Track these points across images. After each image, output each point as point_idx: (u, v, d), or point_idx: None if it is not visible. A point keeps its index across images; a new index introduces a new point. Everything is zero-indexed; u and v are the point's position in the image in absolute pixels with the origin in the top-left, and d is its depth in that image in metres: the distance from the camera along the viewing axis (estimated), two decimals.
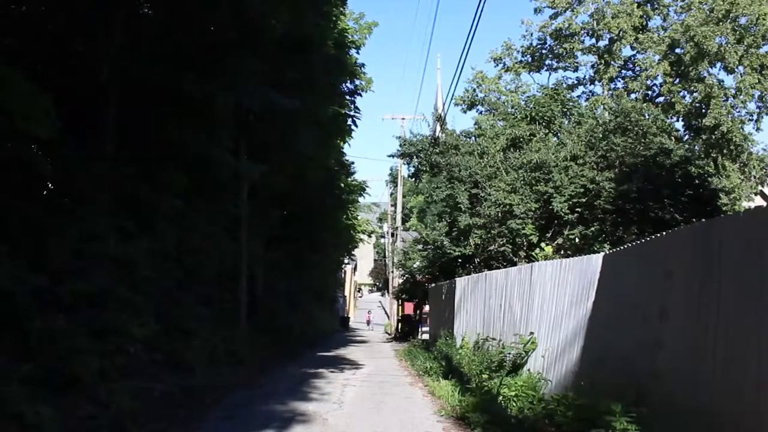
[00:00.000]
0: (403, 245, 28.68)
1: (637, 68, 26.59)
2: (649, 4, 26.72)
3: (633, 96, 24.69)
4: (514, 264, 13.60)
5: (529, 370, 8.97)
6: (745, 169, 24.44)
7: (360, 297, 74.03)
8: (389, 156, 39.01)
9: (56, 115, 7.55)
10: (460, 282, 15.26)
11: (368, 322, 44.25)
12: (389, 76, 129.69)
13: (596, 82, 28.02)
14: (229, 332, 12.99)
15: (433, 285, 21.13)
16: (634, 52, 27.07)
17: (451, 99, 22.55)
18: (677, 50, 24.90)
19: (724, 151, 23.87)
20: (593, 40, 27.51)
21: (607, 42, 27.00)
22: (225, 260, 14.02)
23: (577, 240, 13.92)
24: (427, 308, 25.31)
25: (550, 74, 36.62)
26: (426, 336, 23.31)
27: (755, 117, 24.79)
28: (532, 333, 9.10)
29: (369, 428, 7.06)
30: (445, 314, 17.01)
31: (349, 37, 21.06)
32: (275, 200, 19.22)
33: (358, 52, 22.25)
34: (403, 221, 42.51)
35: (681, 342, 4.92)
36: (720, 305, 4.35)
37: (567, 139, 15.98)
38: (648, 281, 5.80)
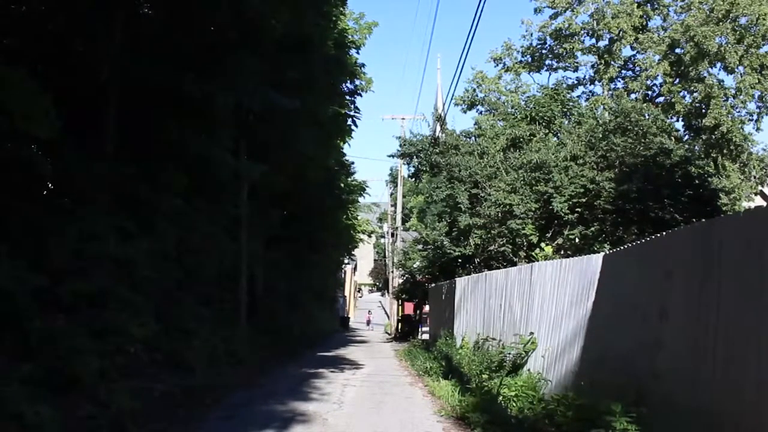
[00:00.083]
0: (403, 245, 28.68)
1: (637, 68, 26.59)
2: (649, 4, 26.71)
3: (633, 96, 24.70)
4: (514, 264, 13.60)
5: (529, 370, 8.97)
6: (745, 169, 24.44)
7: (360, 297, 74.04)
8: (389, 156, 39.07)
9: (56, 115, 7.55)
10: (460, 282, 15.26)
11: (368, 322, 44.26)
12: (389, 76, 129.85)
13: (596, 82, 28.05)
14: (229, 332, 12.99)
15: (433, 285, 21.13)
16: (634, 52, 27.09)
17: (451, 99, 22.59)
18: (677, 50, 24.90)
19: (724, 151, 23.87)
20: (593, 40, 27.52)
21: (607, 42, 27.01)
22: (225, 260, 14.03)
23: (577, 240, 13.92)
24: (427, 308, 25.31)
25: (550, 74, 36.69)
26: (426, 336, 23.31)
27: (755, 117, 24.81)
28: (532, 333, 9.10)
29: (369, 428, 7.06)
30: (445, 314, 17.01)
31: (349, 37, 21.06)
32: (275, 200, 19.22)
33: (358, 52, 22.28)
34: (403, 221, 42.51)
35: (681, 342, 4.92)
36: (720, 305, 4.34)
37: (567, 139, 15.97)
38: (648, 281, 5.80)
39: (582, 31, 27.14)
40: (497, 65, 28.47)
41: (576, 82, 28.51)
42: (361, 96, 23.44)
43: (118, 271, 9.01)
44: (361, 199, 33.31)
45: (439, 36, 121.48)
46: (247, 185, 15.54)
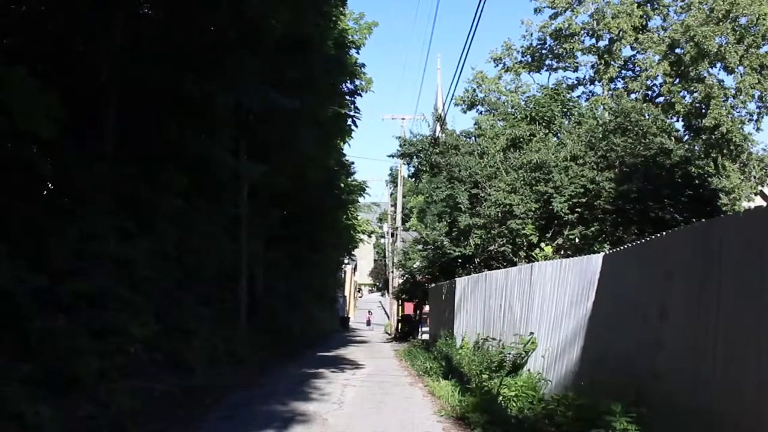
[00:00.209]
0: (403, 245, 28.68)
1: (637, 68, 26.59)
2: (649, 4, 26.71)
3: (633, 96, 24.70)
4: (514, 264, 13.60)
5: (529, 370, 8.97)
6: (745, 169, 24.44)
7: (360, 297, 74.04)
8: (389, 156, 39.02)
9: (61, 113, 7.51)
10: (460, 282, 15.26)
11: (368, 322, 44.27)
12: (389, 76, 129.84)
13: (596, 82, 28.06)
14: (229, 332, 12.99)
15: (433, 285, 21.12)
16: (634, 52, 27.10)
17: (451, 99, 22.59)
18: (677, 50, 24.90)
19: (724, 151, 23.87)
20: (593, 40, 27.53)
21: (607, 42, 27.02)
22: (225, 260, 14.03)
23: (577, 240, 13.91)
24: (427, 308, 25.30)
25: (550, 74, 36.64)
26: (426, 336, 23.31)
27: (755, 117, 24.83)
28: (532, 333, 9.10)
29: (369, 428, 7.06)
30: (445, 314, 17.01)
31: (349, 37, 21.06)
32: (275, 200, 19.22)
33: (358, 52, 22.27)
34: (403, 221, 42.50)
35: (681, 342, 4.92)
36: (720, 305, 4.34)
37: (567, 139, 15.97)
38: (648, 281, 5.80)
39: (582, 31, 27.14)
40: (497, 65, 28.53)
41: (576, 82, 28.56)
42: (361, 96, 23.47)
43: (118, 271, 9.01)
44: (361, 199, 33.33)
45: (439, 36, 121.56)
46: (247, 185, 15.54)
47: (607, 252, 7.56)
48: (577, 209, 13.79)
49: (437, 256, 18.20)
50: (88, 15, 10.30)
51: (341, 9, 18.78)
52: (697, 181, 13.12)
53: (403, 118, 36.46)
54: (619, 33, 25.71)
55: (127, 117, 10.81)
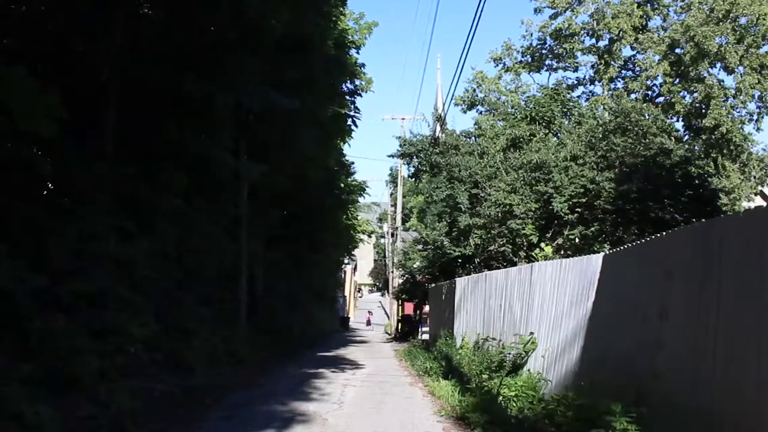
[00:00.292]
0: (403, 245, 28.68)
1: (637, 68, 26.59)
2: (649, 4, 26.71)
3: (633, 96, 24.69)
4: (514, 264, 13.60)
5: (529, 370, 8.97)
6: (745, 169, 24.44)
7: (360, 297, 74.04)
8: (389, 156, 38.98)
9: (61, 112, 7.50)
10: (460, 282, 15.25)
11: (368, 322, 44.26)
12: (389, 76, 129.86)
13: (596, 82, 28.05)
14: (229, 332, 12.99)
15: (433, 285, 21.12)
16: (634, 52, 27.09)
17: (451, 99, 22.59)
18: (677, 50, 24.89)
19: (724, 151, 23.87)
20: (593, 40, 27.52)
21: (607, 42, 27.01)
22: (225, 260, 14.03)
23: (577, 240, 13.91)
24: (427, 308, 25.30)
25: (550, 74, 36.66)
26: (426, 336, 23.31)
27: (755, 117, 24.82)
28: (532, 333, 9.10)
29: (369, 428, 7.06)
30: (445, 314, 17.01)
31: (349, 37, 21.07)
32: (275, 200, 19.22)
33: (358, 52, 22.28)
34: (403, 221, 42.50)
35: (681, 342, 4.92)
36: (720, 305, 4.34)
37: (567, 139, 15.97)
38: (648, 281, 5.80)
39: (582, 31, 27.14)
40: (497, 65, 28.52)
41: (576, 82, 28.56)
42: (361, 96, 23.45)
43: (118, 271, 9.01)
44: (361, 199, 33.35)
45: (439, 36, 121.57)
46: (247, 185, 15.54)
47: (607, 252, 7.56)
48: (577, 209, 13.79)
49: (437, 256, 18.20)
50: (88, 15, 10.30)
51: (341, 9, 18.79)
52: (697, 181, 13.12)
53: (403, 118, 36.49)
54: (619, 33, 25.70)
55: (127, 117, 10.81)
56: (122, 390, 7.19)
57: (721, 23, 23.22)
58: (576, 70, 28.75)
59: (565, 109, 18.77)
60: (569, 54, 27.78)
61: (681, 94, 25.28)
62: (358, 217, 39.41)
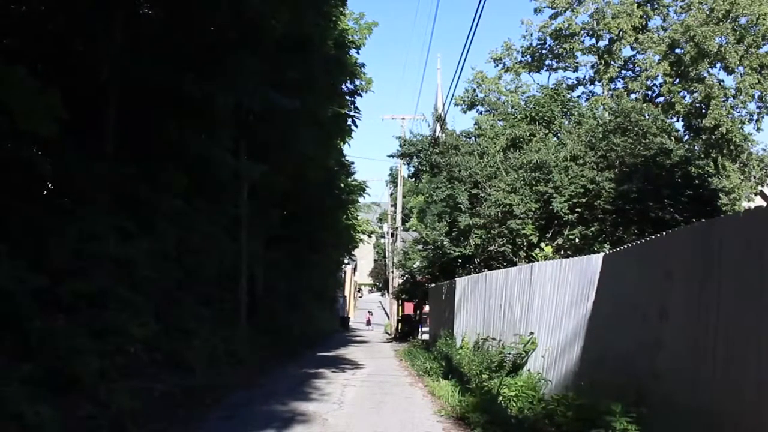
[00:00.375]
0: (403, 245, 28.69)
1: (637, 68, 26.59)
2: (649, 4, 26.71)
3: (633, 96, 24.70)
4: (514, 264, 13.60)
5: (529, 370, 8.97)
6: (745, 169, 24.44)
7: (360, 297, 74.03)
8: (389, 156, 38.98)
9: (61, 112, 7.50)
10: (460, 282, 15.26)
11: (368, 322, 44.25)
12: (389, 76, 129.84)
13: (596, 82, 28.06)
14: (229, 332, 12.99)
15: (433, 285, 21.13)
16: (634, 52, 27.10)
17: (451, 99, 22.60)
18: (677, 50, 24.90)
19: (724, 151, 23.87)
20: (593, 40, 27.53)
21: (607, 42, 27.01)
22: (225, 260, 14.02)
23: (577, 240, 13.91)
24: (427, 308, 25.31)
25: (550, 74, 36.67)
26: (426, 336, 23.31)
27: (755, 117, 24.83)
28: (532, 333, 9.10)
29: (369, 428, 7.06)
30: (445, 314, 17.01)
31: (349, 37, 21.06)
32: (275, 200, 19.22)
33: (358, 52, 22.28)
34: (403, 221, 42.50)
35: (681, 342, 4.92)
36: (720, 305, 4.34)
37: (567, 139, 15.97)
38: (648, 281, 5.80)
39: (582, 31, 27.14)
40: (497, 65, 28.53)
41: (576, 82, 28.57)
42: (361, 96, 23.46)
43: (118, 271, 9.01)
44: (361, 199, 33.35)
45: (439, 36, 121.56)
46: (247, 185, 15.54)
47: (607, 252, 7.56)
48: (577, 209, 13.79)
49: (437, 256, 18.20)
50: (88, 15, 10.30)
51: (341, 9, 18.78)
52: (697, 181, 13.12)
53: (403, 118, 36.49)
54: (619, 33, 25.71)
55: (127, 117, 10.81)
56: (122, 390, 7.19)
57: (721, 23, 23.22)
58: (576, 70, 28.81)
59: (565, 109, 18.77)
60: (569, 54, 27.79)
61: (681, 94, 25.29)
62: (358, 217, 39.40)
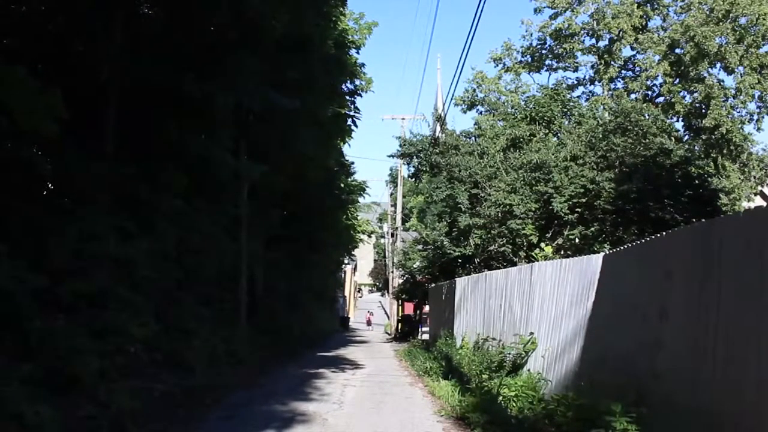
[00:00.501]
0: (403, 245, 28.68)
1: (637, 68, 26.60)
2: (649, 5, 26.72)
3: (633, 96, 24.71)
4: (514, 264, 13.60)
5: (529, 370, 8.97)
6: (745, 169, 24.45)
7: (360, 297, 74.04)
8: (389, 156, 38.96)
9: (62, 112, 7.50)
10: (460, 282, 15.26)
11: (368, 323, 44.25)
12: (389, 76, 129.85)
13: (596, 83, 28.07)
14: (229, 332, 12.99)
15: (433, 285, 21.13)
16: (634, 52, 27.11)
17: (451, 99, 22.63)
18: (677, 50, 24.91)
19: (724, 151, 23.88)
20: (593, 41, 27.54)
21: (607, 42, 27.03)
22: (225, 260, 14.02)
23: (577, 240, 13.92)
24: (427, 308, 25.31)
25: (550, 74, 36.74)
26: (426, 336, 23.31)
27: (755, 117, 24.84)
28: (532, 333, 9.10)
29: (369, 428, 7.06)
30: (445, 314, 17.01)
31: (349, 37, 21.07)
32: (275, 200, 19.22)
33: (358, 52, 22.30)
34: (403, 221, 42.51)
35: (681, 342, 4.91)
36: (720, 305, 4.34)
37: (567, 139, 15.98)
38: (648, 281, 5.80)
39: (582, 31, 27.15)
40: (497, 65, 28.55)
41: (576, 82, 28.59)
42: (361, 96, 23.47)
43: (118, 271, 9.01)
44: (361, 199, 33.35)
45: (439, 36, 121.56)
46: (247, 185, 15.54)
47: (607, 252, 7.56)
48: (577, 209, 13.79)
49: (437, 256, 18.20)
50: (88, 15, 10.30)
51: (341, 9, 18.79)
52: (697, 181, 13.13)
53: (403, 118, 36.49)
54: (619, 33, 25.71)
55: (127, 117, 10.81)
56: (122, 390, 7.19)
57: (721, 23, 23.22)
58: (576, 70, 28.83)
59: (565, 109, 18.78)
60: (569, 54, 27.80)
61: (681, 94, 25.30)
62: (358, 217, 39.41)
